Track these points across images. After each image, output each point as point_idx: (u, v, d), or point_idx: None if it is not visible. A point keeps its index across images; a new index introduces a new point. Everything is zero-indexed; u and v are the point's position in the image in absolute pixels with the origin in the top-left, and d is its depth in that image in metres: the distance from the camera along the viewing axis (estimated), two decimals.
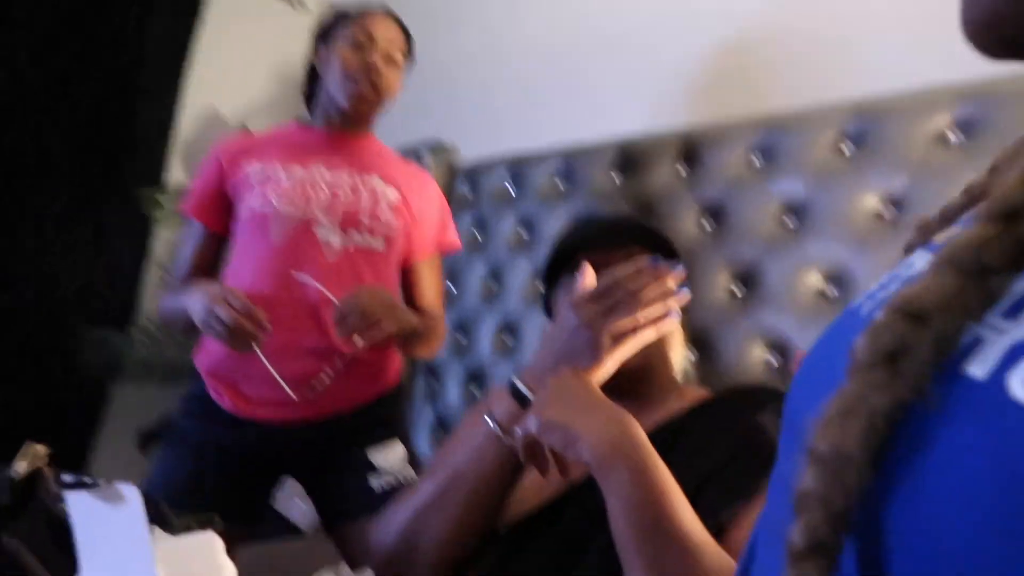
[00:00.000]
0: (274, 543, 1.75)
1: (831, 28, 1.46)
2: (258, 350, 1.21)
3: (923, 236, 0.45)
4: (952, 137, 1.22)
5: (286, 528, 1.92)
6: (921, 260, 0.36)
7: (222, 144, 1.45)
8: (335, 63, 1.37)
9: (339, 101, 1.37)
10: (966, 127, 1.21)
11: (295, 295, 1.30)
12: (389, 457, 1.34)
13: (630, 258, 0.94)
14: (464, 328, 1.86)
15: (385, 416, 1.41)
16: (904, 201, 1.25)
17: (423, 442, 1.84)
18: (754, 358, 1.35)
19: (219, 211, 1.41)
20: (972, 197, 0.43)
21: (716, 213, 1.48)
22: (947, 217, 0.44)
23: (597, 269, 0.90)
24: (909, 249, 0.47)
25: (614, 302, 0.78)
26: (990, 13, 0.33)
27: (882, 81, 1.34)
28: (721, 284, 1.43)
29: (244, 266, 1.34)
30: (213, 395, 1.35)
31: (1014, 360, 0.24)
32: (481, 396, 1.79)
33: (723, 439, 0.78)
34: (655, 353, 0.90)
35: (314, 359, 1.30)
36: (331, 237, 1.33)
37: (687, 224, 1.51)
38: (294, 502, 1.89)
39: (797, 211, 1.37)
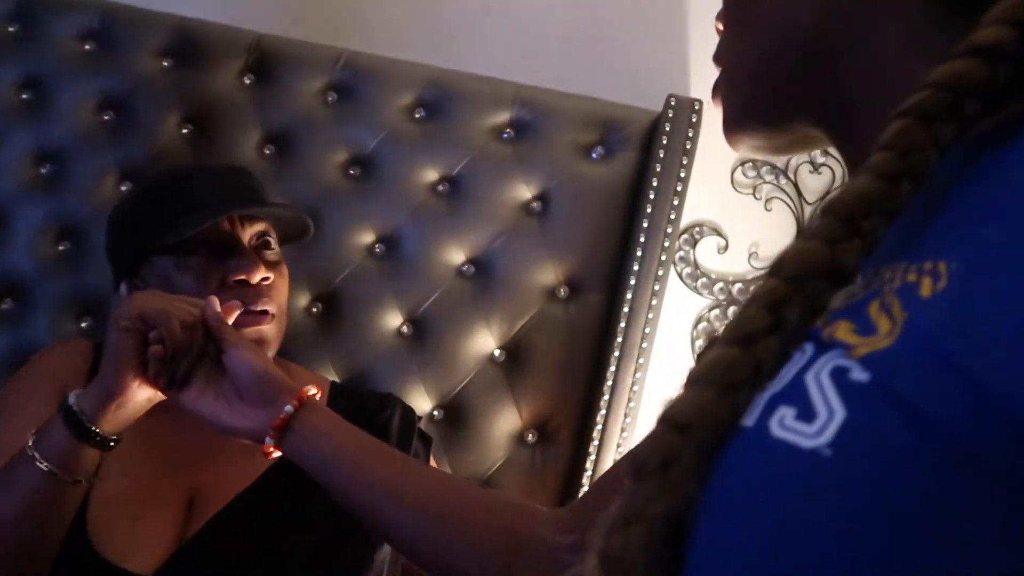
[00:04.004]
0: None
1: None
2: None
3: None
4: (506, 134, 1.36)
5: None
6: None
7: None
8: None
9: None
10: (519, 128, 1.36)
11: None
12: None
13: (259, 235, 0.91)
14: None
15: None
16: (459, 181, 1.36)
17: None
18: (298, 304, 1.33)
19: None
20: None
21: (281, 142, 1.39)
22: None
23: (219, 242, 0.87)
24: None
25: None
26: (741, 114, 0.44)
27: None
28: None
29: None
30: None
31: (773, 408, 0.29)
32: None
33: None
34: None
35: None
36: None
37: (247, 146, 1.39)
38: None
39: (363, 163, 1.37)
